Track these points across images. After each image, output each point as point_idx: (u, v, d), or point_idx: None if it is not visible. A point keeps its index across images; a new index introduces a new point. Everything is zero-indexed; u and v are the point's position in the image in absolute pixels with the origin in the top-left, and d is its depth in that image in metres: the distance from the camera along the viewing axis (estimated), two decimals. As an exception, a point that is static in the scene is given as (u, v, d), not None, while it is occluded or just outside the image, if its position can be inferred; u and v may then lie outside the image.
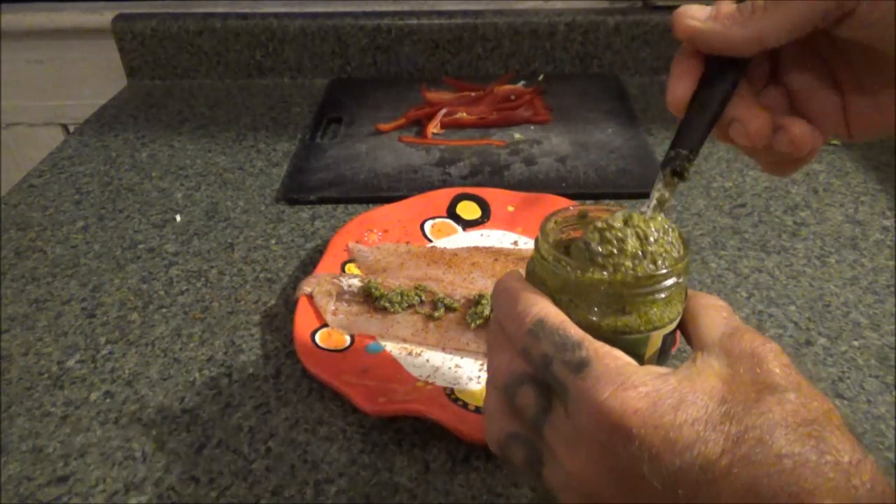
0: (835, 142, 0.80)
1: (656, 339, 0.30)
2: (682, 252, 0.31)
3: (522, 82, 0.92)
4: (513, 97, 0.87)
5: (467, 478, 0.43)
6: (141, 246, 0.66)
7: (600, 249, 0.30)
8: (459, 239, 0.64)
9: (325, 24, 0.97)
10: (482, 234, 0.64)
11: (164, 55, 0.99)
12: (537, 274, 0.31)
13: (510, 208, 0.66)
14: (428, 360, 0.51)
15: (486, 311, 0.52)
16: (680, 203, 0.70)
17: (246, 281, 0.60)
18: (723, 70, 0.31)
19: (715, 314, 0.30)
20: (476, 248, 0.61)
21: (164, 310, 0.57)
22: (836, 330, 0.54)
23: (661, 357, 0.31)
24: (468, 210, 0.66)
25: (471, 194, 0.67)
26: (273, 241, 0.66)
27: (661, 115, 0.88)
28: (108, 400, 0.49)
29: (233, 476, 0.43)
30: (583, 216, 0.34)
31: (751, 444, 0.24)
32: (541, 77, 0.97)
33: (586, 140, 0.80)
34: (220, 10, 1.00)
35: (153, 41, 0.98)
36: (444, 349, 0.52)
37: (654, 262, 0.30)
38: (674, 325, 0.31)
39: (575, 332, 0.28)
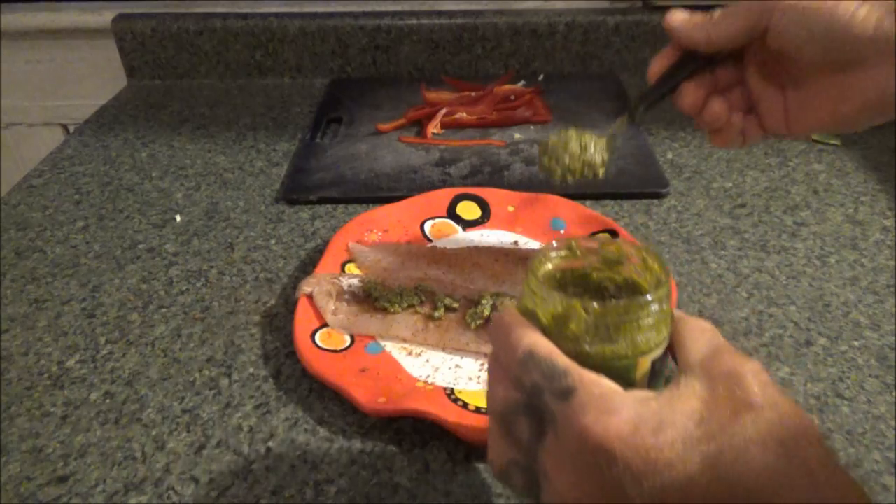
0: (834, 142, 0.80)
1: (644, 364, 0.31)
2: (661, 272, 0.33)
3: (522, 82, 0.92)
4: (513, 97, 0.87)
5: (467, 478, 0.43)
6: (141, 246, 0.66)
7: (550, 143, 0.48)
8: (459, 239, 0.64)
9: (325, 24, 0.97)
10: (482, 234, 0.64)
11: (164, 55, 0.99)
12: (528, 308, 0.33)
13: (510, 208, 0.66)
14: (428, 360, 0.51)
15: (486, 311, 0.52)
16: (680, 203, 0.70)
17: (246, 281, 0.60)
18: (688, 60, 0.45)
19: (699, 335, 0.31)
20: (476, 248, 0.61)
21: (164, 310, 0.57)
22: (836, 330, 0.54)
23: (653, 381, 0.32)
24: (468, 210, 0.66)
25: (471, 194, 0.67)
26: (273, 241, 0.66)
27: (660, 115, 0.88)
28: (108, 400, 0.49)
29: (233, 476, 0.43)
30: (569, 248, 0.35)
31: (727, 462, 0.26)
32: (540, 77, 0.97)
33: (586, 140, 0.80)
34: (220, 10, 1.00)
35: (153, 41, 0.98)
36: (444, 349, 0.52)
37: (591, 165, 0.47)
38: (661, 350, 0.32)
39: (562, 361, 0.29)
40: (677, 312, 0.33)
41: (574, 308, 0.31)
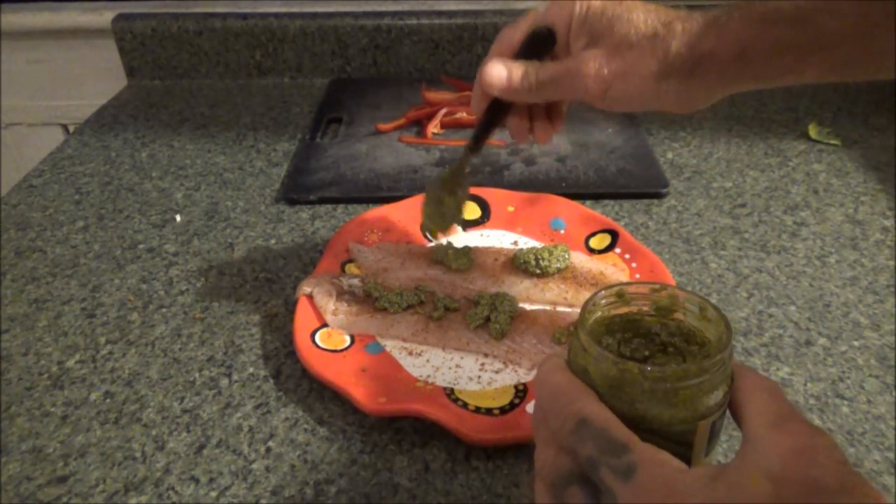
0: (834, 142, 0.80)
1: (704, 427, 0.30)
2: (722, 327, 0.31)
3: (522, 82, 0.92)
4: (513, 97, 0.87)
5: (467, 478, 0.43)
6: (141, 246, 0.66)
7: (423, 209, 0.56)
8: (459, 239, 0.64)
9: (325, 24, 0.97)
10: (482, 234, 0.64)
11: (164, 55, 0.99)
12: (580, 364, 0.31)
13: (510, 208, 0.66)
14: (428, 360, 0.51)
15: (486, 312, 0.52)
16: (680, 203, 0.70)
17: (246, 281, 0.60)
18: (504, 103, 0.49)
19: (760, 398, 0.29)
20: (476, 248, 0.61)
21: (164, 310, 0.57)
22: (836, 330, 0.54)
23: (711, 441, 0.31)
24: (468, 210, 0.66)
25: (471, 194, 0.67)
26: (273, 241, 0.66)
27: (660, 115, 0.88)
28: (108, 400, 0.49)
29: (233, 476, 0.43)
30: (619, 295, 0.34)
31: None
32: (541, 77, 0.97)
33: (586, 140, 0.80)
34: (220, 10, 1.00)
35: (153, 41, 0.98)
36: (444, 349, 0.52)
37: (454, 197, 0.55)
38: (721, 411, 0.30)
39: (620, 433, 0.28)
40: (736, 364, 0.31)
41: (630, 372, 0.29)
